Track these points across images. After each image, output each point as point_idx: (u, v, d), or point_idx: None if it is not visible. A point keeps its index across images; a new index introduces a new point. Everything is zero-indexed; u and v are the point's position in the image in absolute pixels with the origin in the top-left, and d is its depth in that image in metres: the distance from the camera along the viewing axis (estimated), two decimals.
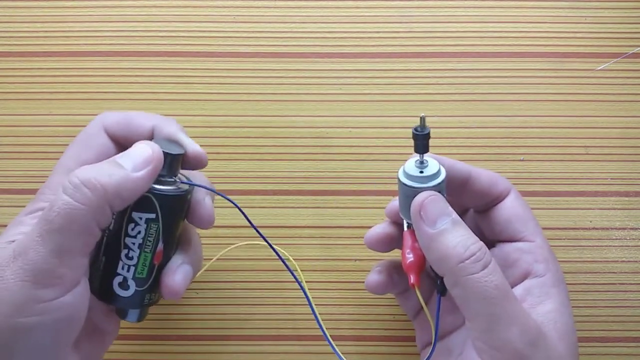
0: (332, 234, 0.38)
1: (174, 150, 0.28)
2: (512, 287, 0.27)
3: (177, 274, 0.28)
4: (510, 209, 0.29)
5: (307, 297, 0.32)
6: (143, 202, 0.27)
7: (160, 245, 0.27)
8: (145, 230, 0.27)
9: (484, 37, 0.40)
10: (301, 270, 0.37)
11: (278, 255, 0.32)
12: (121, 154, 0.26)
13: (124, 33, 0.40)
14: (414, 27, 0.40)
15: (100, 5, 0.40)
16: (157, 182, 0.28)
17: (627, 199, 0.38)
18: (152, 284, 0.28)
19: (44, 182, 0.38)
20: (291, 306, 0.37)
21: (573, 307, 0.37)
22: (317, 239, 0.38)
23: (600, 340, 0.37)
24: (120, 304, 0.28)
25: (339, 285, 0.37)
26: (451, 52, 0.40)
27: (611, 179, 0.38)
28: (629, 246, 0.38)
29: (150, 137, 0.29)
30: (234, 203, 0.31)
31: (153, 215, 0.27)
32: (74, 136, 0.38)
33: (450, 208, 0.26)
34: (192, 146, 0.29)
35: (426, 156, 0.28)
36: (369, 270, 0.32)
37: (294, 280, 0.33)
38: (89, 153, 0.28)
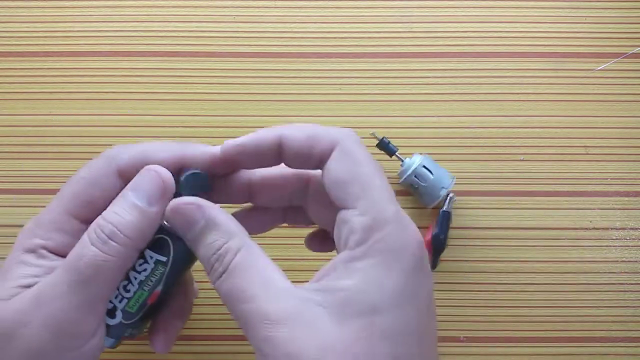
0: None
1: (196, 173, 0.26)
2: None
3: (169, 333, 0.29)
4: (331, 171, 0.24)
5: None
6: (159, 243, 0.26)
7: (159, 288, 0.27)
8: (152, 270, 0.26)
9: (484, 37, 0.40)
10: (302, 271, 0.37)
11: None
12: (131, 184, 0.25)
13: (124, 33, 0.40)
14: (414, 27, 0.40)
15: (100, 5, 0.40)
16: None
17: (627, 199, 0.38)
18: (137, 321, 0.27)
19: (43, 182, 0.38)
20: None
21: (573, 307, 0.37)
22: None
23: (600, 340, 0.37)
24: None
25: None
26: (451, 52, 0.40)
27: (611, 179, 0.39)
28: (629, 246, 0.38)
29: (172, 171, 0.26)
30: None
31: (164, 259, 0.26)
32: (74, 136, 0.39)
33: (197, 211, 0.24)
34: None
35: None
36: None
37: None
38: (96, 195, 0.26)
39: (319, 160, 0.24)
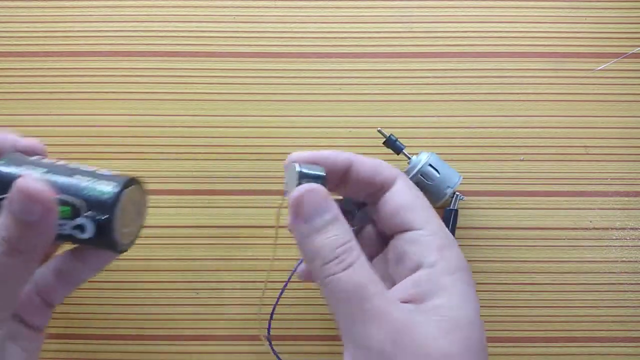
0: None
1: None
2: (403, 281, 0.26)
3: None
4: (396, 197, 0.27)
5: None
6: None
7: None
8: None
9: (484, 37, 0.40)
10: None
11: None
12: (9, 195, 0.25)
13: (124, 33, 0.40)
14: (414, 27, 0.40)
15: (100, 5, 0.40)
16: None
17: (627, 199, 0.38)
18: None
19: None
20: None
21: (574, 307, 0.37)
22: None
23: (600, 340, 0.37)
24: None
25: None
26: (451, 52, 0.40)
27: (611, 179, 0.39)
28: (629, 246, 0.38)
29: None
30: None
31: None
32: (73, 136, 0.39)
33: (330, 203, 0.25)
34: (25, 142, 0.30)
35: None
36: None
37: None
38: None
39: (381, 186, 0.27)
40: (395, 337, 0.23)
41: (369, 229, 0.30)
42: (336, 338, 0.37)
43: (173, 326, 0.37)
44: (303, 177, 0.25)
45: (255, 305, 0.37)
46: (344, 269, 0.24)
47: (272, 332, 0.37)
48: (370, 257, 0.29)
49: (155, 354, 0.37)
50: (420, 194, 0.27)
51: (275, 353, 0.33)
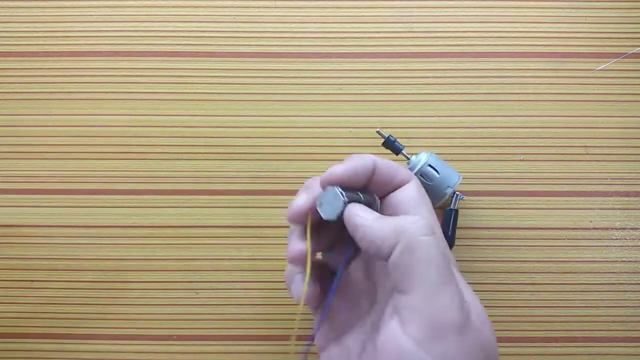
0: None
1: None
2: None
3: None
4: (406, 193, 0.29)
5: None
6: None
7: None
8: None
9: (484, 37, 0.40)
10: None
11: None
12: None
13: (124, 33, 0.40)
14: (414, 27, 0.40)
15: (100, 5, 0.40)
16: None
17: (627, 199, 0.38)
18: None
19: (44, 182, 0.38)
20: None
21: (573, 307, 0.37)
22: None
23: (600, 340, 0.37)
24: None
25: None
26: (451, 52, 0.40)
27: (611, 179, 0.39)
28: (629, 246, 0.38)
29: None
30: None
31: None
32: (73, 136, 0.39)
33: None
34: None
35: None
36: None
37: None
38: None
39: (396, 186, 0.29)
40: (467, 314, 0.24)
41: None
42: None
43: (173, 326, 0.37)
44: (347, 203, 0.27)
45: (254, 305, 0.37)
46: (433, 233, 0.24)
47: (272, 332, 0.37)
48: None
49: (155, 354, 0.37)
50: (426, 196, 0.29)
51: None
